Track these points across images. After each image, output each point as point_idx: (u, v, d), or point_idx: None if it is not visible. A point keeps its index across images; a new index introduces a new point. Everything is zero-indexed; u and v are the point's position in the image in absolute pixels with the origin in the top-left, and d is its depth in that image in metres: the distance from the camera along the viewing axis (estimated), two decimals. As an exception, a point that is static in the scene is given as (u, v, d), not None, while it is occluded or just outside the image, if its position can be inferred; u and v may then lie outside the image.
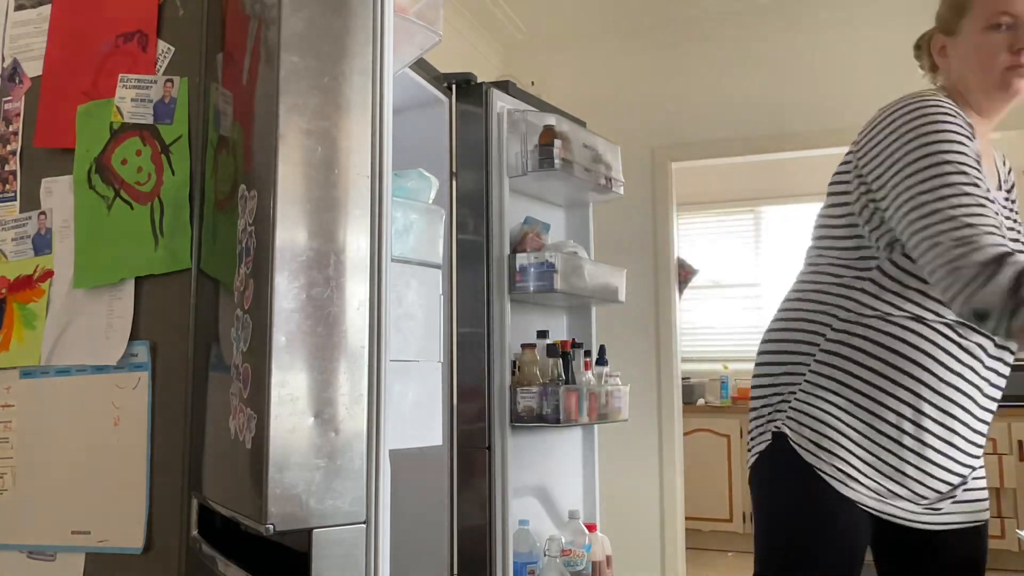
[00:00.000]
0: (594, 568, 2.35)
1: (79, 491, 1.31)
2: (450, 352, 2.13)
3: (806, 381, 1.37)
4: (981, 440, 1.39)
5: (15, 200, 1.45)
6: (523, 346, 2.28)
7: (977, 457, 1.40)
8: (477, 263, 2.19)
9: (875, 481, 1.33)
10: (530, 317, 2.44)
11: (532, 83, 4.06)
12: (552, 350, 2.30)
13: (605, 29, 4.23)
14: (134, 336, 1.31)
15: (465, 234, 2.21)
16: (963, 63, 1.39)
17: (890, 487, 1.33)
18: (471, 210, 2.21)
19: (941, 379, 1.31)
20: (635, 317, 4.06)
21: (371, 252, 1.10)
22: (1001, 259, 1.16)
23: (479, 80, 2.26)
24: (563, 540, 2.28)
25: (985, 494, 1.44)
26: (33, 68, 1.47)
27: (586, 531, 2.36)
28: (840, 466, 1.32)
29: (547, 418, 2.20)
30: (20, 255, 1.43)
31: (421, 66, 2.01)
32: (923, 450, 1.32)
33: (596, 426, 2.59)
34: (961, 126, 1.29)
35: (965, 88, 1.39)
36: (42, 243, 1.41)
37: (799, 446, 1.34)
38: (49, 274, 1.39)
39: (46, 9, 1.47)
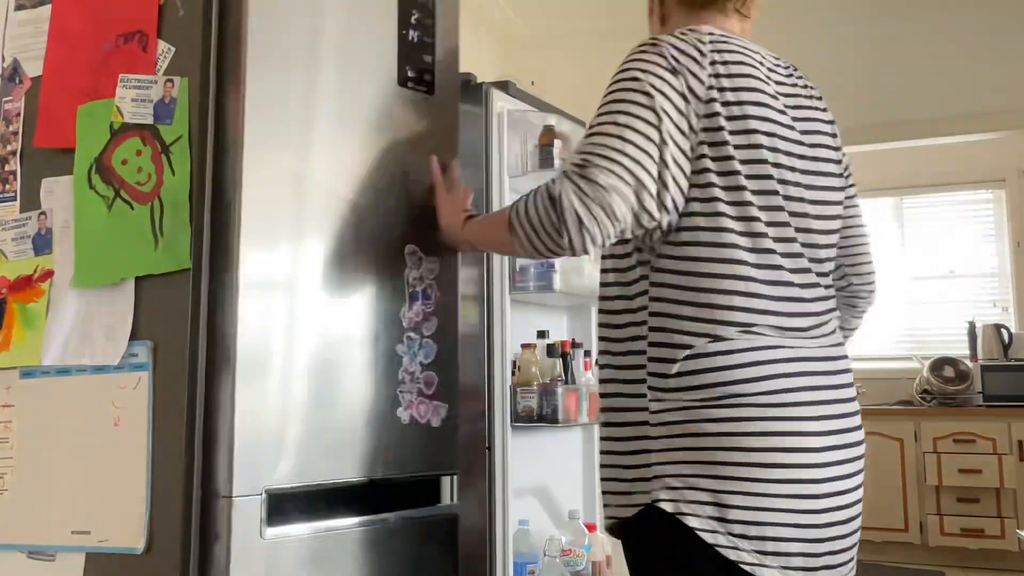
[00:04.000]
0: (594, 568, 2.35)
1: (79, 491, 1.31)
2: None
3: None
4: None
5: (15, 200, 1.45)
6: (523, 346, 2.28)
7: None
8: (477, 263, 2.19)
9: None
10: (530, 317, 2.44)
11: (532, 83, 4.05)
12: (552, 350, 2.30)
13: (605, 28, 4.22)
14: (134, 336, 1.31)
15: (465, 234, 2.21)
16: None
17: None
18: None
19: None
20: (635, 317, 4.06)
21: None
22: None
23: (479, 80, 2.25)
24: (563, 540, 2.28)
25: None
26: (33, 68, 1.47)
27: (586, 531, 2.36)
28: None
29: (547, 418, 2.20)
30: (20, 255, 1.43)
31: (421, 66, 2.01)
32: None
33: (596, 426, 2.59)
34: (666, 68, 1.18)
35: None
36: (42, 243, 1.41)
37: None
38: (49, 274, 1.39)
39: (46, 9, 1.47)
